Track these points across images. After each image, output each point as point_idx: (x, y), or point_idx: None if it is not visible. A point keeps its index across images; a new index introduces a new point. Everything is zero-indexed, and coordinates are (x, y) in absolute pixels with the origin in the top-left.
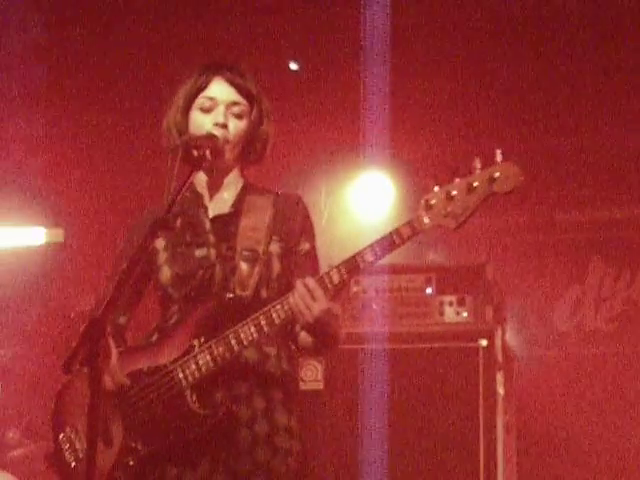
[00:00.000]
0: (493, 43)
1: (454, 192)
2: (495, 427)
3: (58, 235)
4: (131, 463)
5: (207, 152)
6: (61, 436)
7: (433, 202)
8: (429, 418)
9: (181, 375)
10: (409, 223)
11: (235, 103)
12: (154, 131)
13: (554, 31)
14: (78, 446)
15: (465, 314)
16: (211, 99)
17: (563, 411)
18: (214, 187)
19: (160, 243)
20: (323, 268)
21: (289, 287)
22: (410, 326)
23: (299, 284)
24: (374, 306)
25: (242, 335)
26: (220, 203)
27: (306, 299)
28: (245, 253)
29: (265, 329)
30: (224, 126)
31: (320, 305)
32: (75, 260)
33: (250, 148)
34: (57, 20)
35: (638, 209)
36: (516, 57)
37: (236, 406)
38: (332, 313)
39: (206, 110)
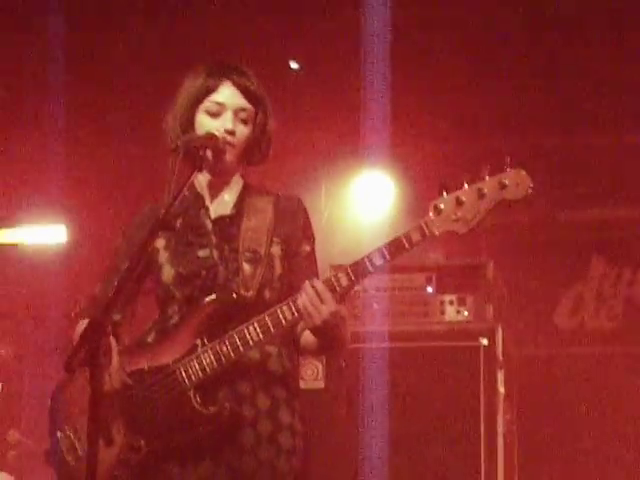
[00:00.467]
0: (494, 43)
1: (463, 198)
2: (496, 426)
3: (60, 233)
4: (133, 462)
5: (208, 152)
6: (59, 435)
7: (442, 207)
8: (430, 417)
9: (184, 375)
10: (419, 227)
11: (242, 109)
12: (158, 129)
13: (554, 30)
14: (77, 445)
15: (466, 313)
16: (219, 104)
17: (564, 410)
18: (215, 188)
19: (160, 242)
20: (323, 268)
21: (290, 288)
22: (411, 325)
23: (307, 286)
24: (375, 305)
25: (248, 335)
26: (221, 204)
27: (315, 301)
28: (247, 254)
29: (272, 330)
30: (232, 133)
31: (329, 307)
32: (77, 258)
33: (254, 150)
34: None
35: (639, 208)
36: (517, 56)
37: (240, 405)
38: (340, 315)
39: (213, 114)
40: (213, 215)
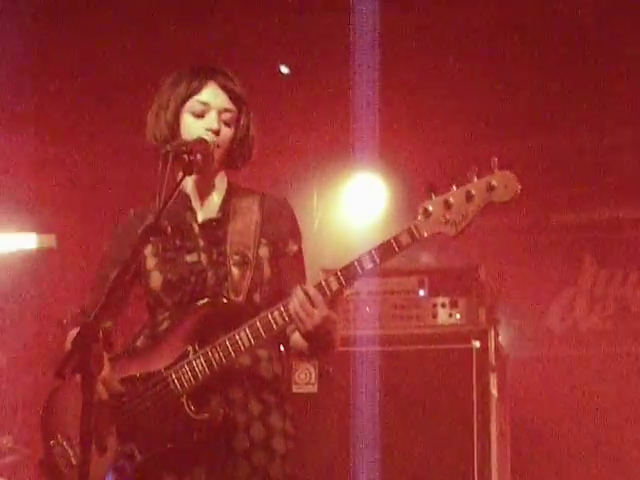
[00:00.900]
0: (485, 43)
1: (452, 200)
2: (489, 429)
3: (51, 241)
4: (127, 470)
5: (198, 157)
6: (52, 443)
7: (431, 209)
8: (423, 420)
9: (176, 381)
10: (408, 230)
11: (227, 110)
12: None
13: (548, 31)
14: (70, 453)
15: (458, 316)
16: (204, 104)
17: (557, 412)
18: (200, 190)
19: (147, 248)
20: (314, 272)
21: (279, 291)
22: (403, 328)
23: (299, 291)
24: (367, 308)
25: (239, 341)
26: (207, 206)
27: (307, 306)
28: (236, 258)
29: (263, 335)
30: (217, 132)
31: (321, 312)
32: (68, 266)
33: (236, 153)
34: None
35: (631, 209)
36: (508, 57)
37: (232, 411)
38: (331, 320)
39: (198, 115)
40: (201, 218)
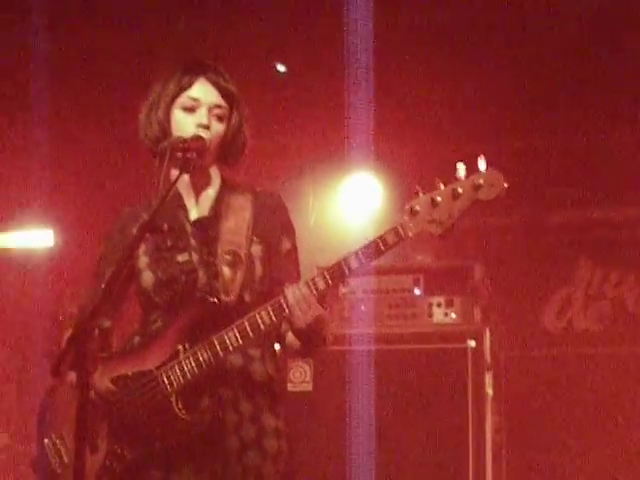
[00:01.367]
0: (478, 44)
1: (439, 198)
2: (484, 428)
3: (47, 238)
4: (117, 469)
5: (194, 154)
6: (46, 442)
7: (417, 208)
8: (418, 419)
9: (166, 381)
10: (394, 230)
11: (217, 106)
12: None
13: (541, 30)
14: (63, 452)
15: (453, 315)
16: (194, 99)
17: (552, 412)
18: (193, 187)
19: (141, 247)
20: (310, 270)
21: (271, 289)
22: (398, 327)
23: (290, 290)
24: (362, 307)
25: (227, 340)
26: (199, 204)
27: (299, 305)
28: (227, 257)
29: (250, 335)
30: (207, 127)
31: (313, 311)
32: (64, 263)
33: (228, 151)
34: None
35: (626, 209)
36: (501, 57)
37: (222, 411)
38: (323, 318)
39: (188, 110)
40: (193, 216)
